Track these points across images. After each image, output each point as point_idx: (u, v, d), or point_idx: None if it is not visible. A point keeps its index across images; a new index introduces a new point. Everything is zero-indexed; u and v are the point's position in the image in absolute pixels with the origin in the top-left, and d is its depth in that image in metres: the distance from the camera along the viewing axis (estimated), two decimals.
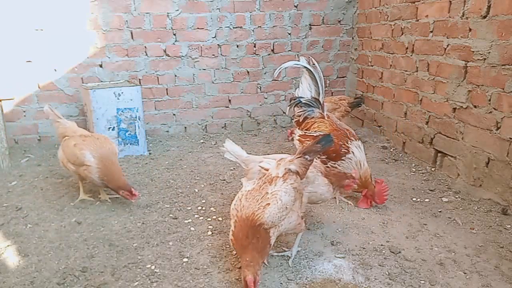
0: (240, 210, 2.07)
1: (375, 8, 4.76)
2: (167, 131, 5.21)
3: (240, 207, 2.09)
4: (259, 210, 2.03)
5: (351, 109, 4.65)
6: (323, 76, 5.43)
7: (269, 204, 2.05)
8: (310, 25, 5.23)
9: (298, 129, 3.43)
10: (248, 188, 2.18)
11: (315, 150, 2.31)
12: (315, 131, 3.22)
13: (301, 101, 3.40)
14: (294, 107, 3.45)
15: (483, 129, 3.18)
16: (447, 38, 3.52)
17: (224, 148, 2.63)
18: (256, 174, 2.54)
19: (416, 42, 3.99)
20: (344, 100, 4.63)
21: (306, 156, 2.29)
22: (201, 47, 4.99)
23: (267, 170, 2.48)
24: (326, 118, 3.34)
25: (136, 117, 4.22)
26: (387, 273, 2.25)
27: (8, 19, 4.32)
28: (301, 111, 3.42)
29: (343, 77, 5.61)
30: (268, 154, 2.77)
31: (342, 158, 3.04)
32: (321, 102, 3.39)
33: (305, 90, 3.43)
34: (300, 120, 3.42)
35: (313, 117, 3.35)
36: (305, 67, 3.34)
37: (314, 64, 3.40)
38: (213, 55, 5.05)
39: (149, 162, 4.14)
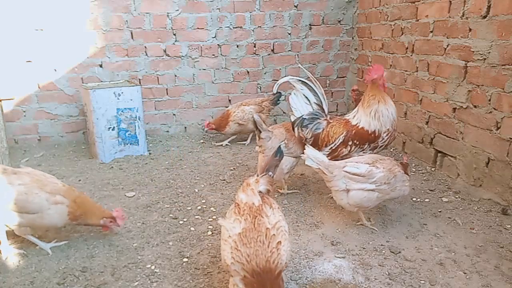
0: (248, 262, 1.69)
1: (375, 8, 4.76)
2: (167, 131, 5.21)
3: (244, 258, 1.70)
4: (274, 254, 1.71)
5: (273, 106, 4.79)
6: (323, 76, 5.51)
7: (280, 242, 1.76)
8: (310, 25, 5.23)
9: (319, 150, 2.92)
10: (237, 231, 1.78)
11: (275, 164, 2.26)
12: (337, 139, 3.00)
13: (305, 119, 3.07)
14: (300, 129, 3.10)
15: (483, 129, 3.18)
16: (447, 38, 3.51)
17: (305, 155, 2.57)
18: (342, 181, 2.54)
19: (416, 42, 3.99)
20: (266, 100, 4.76)
21: (270, 173, 2.17)
22: (201, 47, 4.99)
23: (356, 175, 2.51)
24: (330, 120, 3.11)
25: (136, 117, 4.22)
26: (387, 273, 2.25)
27: (8, 19, 4.32)
28: (307, 131, 3.07)
29: (343, 77, 5.61)
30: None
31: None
32: (324, 109, 3.15)
33: (303, 105, 3.14)
34: (312, 142, 3.06)
35: (322, 129, 3.05)
36: (299, 80, 3.11)
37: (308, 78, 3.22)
38: (213, 55, 5.05)
39: (149, 162, 4.14)
